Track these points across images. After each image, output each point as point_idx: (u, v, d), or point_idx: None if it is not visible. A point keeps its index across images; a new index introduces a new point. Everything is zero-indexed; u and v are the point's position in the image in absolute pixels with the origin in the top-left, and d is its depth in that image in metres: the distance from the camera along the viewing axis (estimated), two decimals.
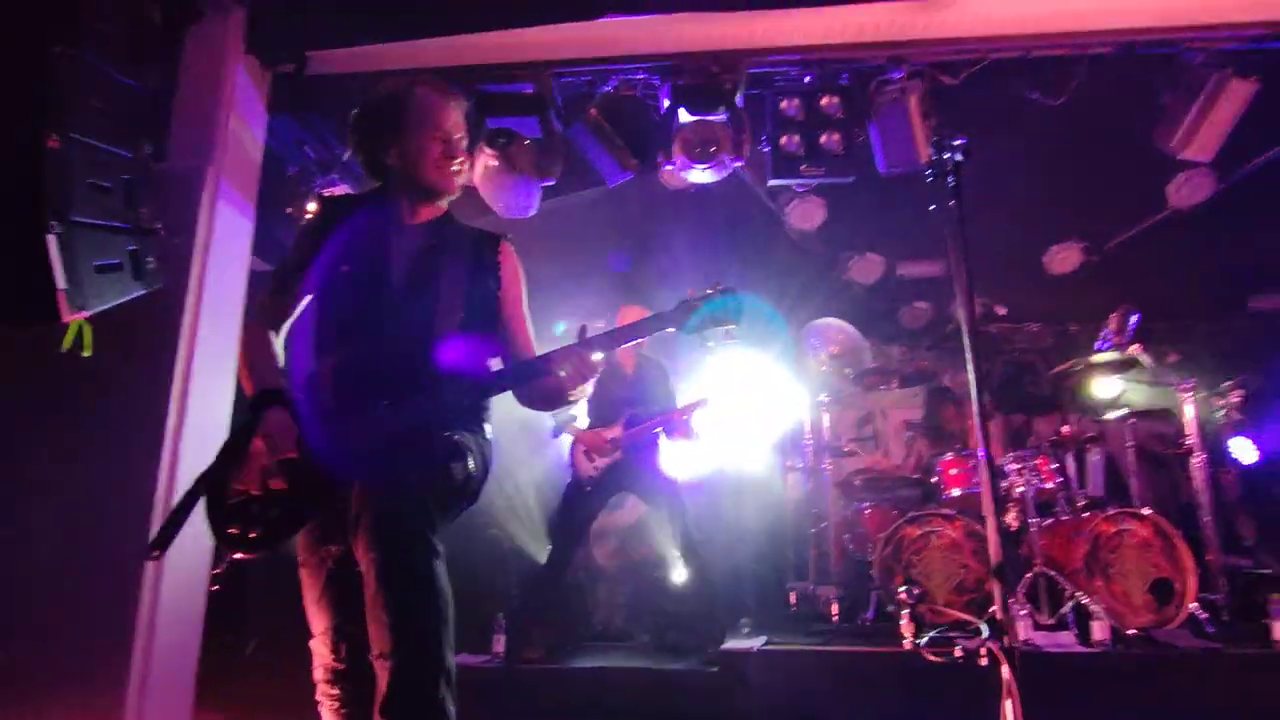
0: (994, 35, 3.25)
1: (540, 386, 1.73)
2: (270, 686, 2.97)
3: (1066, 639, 3.79)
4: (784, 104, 3.51)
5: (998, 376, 6.06)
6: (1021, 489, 4.31)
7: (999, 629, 1.38)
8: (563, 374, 1.59)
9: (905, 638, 3.55)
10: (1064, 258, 5.14)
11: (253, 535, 1.56)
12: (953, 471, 4.49)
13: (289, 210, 3.82)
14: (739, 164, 3.52)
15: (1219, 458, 5.23)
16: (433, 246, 1.79)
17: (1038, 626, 3.90)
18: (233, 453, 1.64)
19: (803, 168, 3.52)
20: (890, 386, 4.94)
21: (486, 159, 3.70)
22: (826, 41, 3.42)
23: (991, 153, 4.18)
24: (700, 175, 3.54)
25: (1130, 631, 3.87)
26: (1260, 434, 5.46)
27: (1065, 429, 4.83)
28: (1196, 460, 4.67)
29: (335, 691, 1.67)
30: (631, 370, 4.13)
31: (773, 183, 3.57)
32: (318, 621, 1.69)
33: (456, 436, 1.65)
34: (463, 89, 2.47)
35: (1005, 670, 1.32)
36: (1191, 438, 4.67)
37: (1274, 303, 5.78)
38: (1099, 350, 4.75)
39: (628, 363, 4.12)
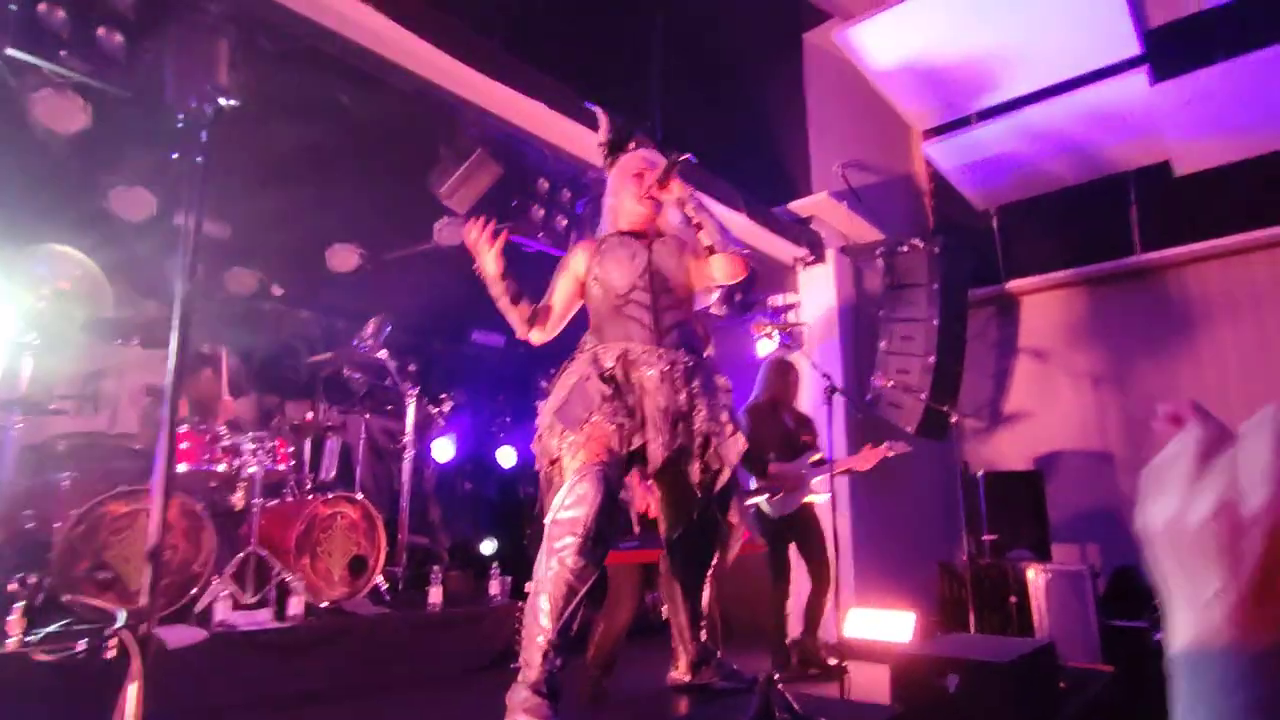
0: (317, 24, 3.25)
1: None
2: None
3: (264, 616, 3.90)
4: None
5: (261, 356, 5.97)
6: (253, 469, 4.31)
7: (137, 616, 1.28)
8: None
9: (11, 636, 2.93)
10: (344, 258, 5.46)
11: None
12: (184, 445, 4.16)
13: None
14: None
15: (425, 454, 6.36)
16: None
17: (237, 606, 3.90)
18: None
19: (63, 53, 2.79)
20: (132, 343, 4.27)
21: None
22: None
23: (302, 137, 4.20)
24: None
25: (324, 604, 4.26)
26: (459, 438, 6.91)
27: (309, 416, 5.09)
28: (409, 455, 5.54)
29: None
30: None
31: (11, 53, 2.71)
32: None
33: None
34: None
35: (135, 660, 1.23)
36: (408, 436, 5.53)
37: (489, 338, 7.41)
38: (355, 348, 5.20)
39: None
